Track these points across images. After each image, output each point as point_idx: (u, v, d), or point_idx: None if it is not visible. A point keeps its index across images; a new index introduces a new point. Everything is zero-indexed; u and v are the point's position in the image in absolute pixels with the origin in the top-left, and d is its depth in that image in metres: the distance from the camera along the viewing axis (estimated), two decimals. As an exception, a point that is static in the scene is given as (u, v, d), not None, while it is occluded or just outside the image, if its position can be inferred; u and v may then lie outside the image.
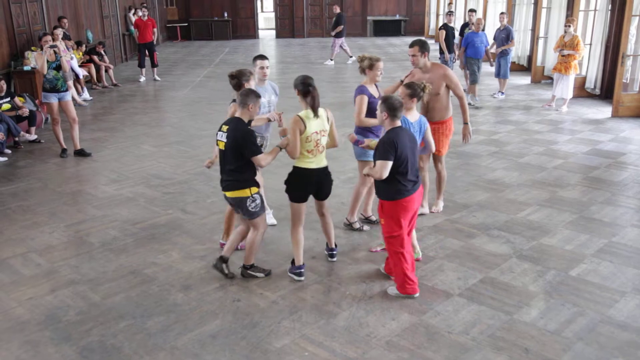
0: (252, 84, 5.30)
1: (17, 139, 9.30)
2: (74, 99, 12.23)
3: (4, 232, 6.14)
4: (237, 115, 4.81)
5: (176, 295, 4.81)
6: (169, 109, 12.42)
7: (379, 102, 4.66)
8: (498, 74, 12.87)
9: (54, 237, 5.99)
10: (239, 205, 4.85)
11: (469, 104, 11.09)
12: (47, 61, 8.43)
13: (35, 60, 8.82)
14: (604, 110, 11.29)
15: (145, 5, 18.60)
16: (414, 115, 5.29)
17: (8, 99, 9.54)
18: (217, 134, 4.86)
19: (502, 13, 13.18)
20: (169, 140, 9.69)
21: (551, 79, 12.92)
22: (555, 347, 4.07)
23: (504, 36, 12.61)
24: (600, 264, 5.26)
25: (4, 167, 8.38)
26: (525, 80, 14.73)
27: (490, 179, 7.55)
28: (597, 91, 12.48)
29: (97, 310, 4.61)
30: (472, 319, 4.43)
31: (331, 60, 18.67)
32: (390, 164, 4.42)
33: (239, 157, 4.69)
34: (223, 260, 5.06)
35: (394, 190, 4.55)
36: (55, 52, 8.51)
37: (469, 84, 12.25)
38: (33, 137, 9.67)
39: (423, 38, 6.06)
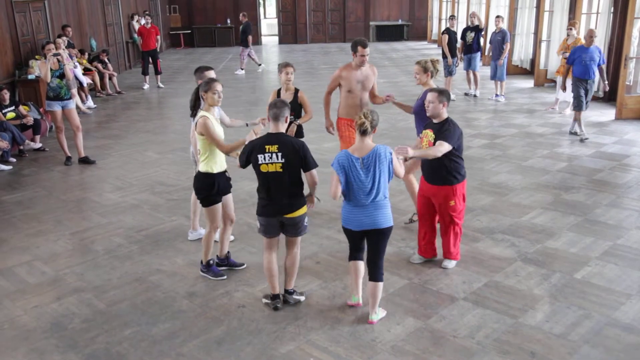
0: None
1: (21, 147, 9.35)
2: (78, 107, 12.33)
3: (9, 240, 6.16)
4: (273, 131, 4.42)
5: (181, 302, 4.82)
6: (172, 115, 12.46)
7: (436, 94, 4.97)
8: (494, 77, 12.90)
9: (58, 245, 6.01)
10: (294, 224, 4.50)
11: (573, 132, 9.67)
12: (51, 69, 8.51)
13: (39, 68, 8.89)
14: (607, 113, 11.27)
15: (148, 13, 18.70)
16: (364, 147, 4.42)
17: (13, 107, 9.59)
18: (257, 156, 4.35)
19: (497, 16, 13.15)
20: (172, 147, 9.72)
21: (554, 82, 12.91)
22: (561, 351, 4.06)
23: (500, 39, 12.62)
24: (605, 267, 5.24)
25: (9, 175, 8.41)
26: (528, 83, 14.72)
27: (494, 182, 7.54)
28: (601, 94, 12.45)
29: (103, 317, 4.62)
30: (477, 322, 4.42)
31: (242, 69, 18.04)
32: (450, 148, 4.89)
33: (298, 173, 4.40)
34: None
35: (462, 171, 5.15)
36: (58, 61, 8.58)
37: (573, 110, 9.86)
38: (38, 145, 9.72)
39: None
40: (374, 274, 4.46)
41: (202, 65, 5.92)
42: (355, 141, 6.39)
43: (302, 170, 4.43)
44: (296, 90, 6.44)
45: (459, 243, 5.34)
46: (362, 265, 4.58)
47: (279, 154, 4.33)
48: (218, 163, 4.96)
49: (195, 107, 5.06)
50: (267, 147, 4.35)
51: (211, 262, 5.22)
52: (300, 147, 4.38)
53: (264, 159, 4.35)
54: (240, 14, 19.00)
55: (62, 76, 8.64)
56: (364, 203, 4.33)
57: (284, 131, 4.45)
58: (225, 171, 5.06)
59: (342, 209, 4.51)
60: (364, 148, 4.36)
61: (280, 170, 4.35)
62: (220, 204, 5.07)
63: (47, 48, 8.75)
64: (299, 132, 6.43)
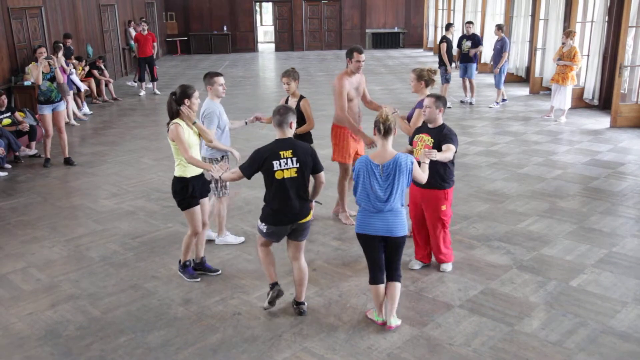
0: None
1: (17, 153, 9.34)
2: (74, 114, 12.34)
3: (4, 247, 6.14)
4: (280, 137, 4.40)
5: (177, 309, 4.81)
6: (168, 122, 12.44)
7: (433, 99, 5.03)
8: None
9: (54, 252, 5.98)
10: (305, 228, 4.53)
11: None
12: (42, 72, 8.77)
13: (30, 71, 9.09)
14: (602, 121, 11.32)
15: (145, 19, 18.70)
16: (384, 154, 4.36)
17: (9, 114, 9.59)
18: (272, 162, 4.30)
19: (497, 26, 13.28)
20: (168, 153, 9.67)
21: (549, 90, 12.98)
22: (556, 358, 4.06)
23: (499, 47, 12.74)
24: (600, 274, 5.25)
25: (4, 182, 8.39)
26: (524, 91, 14.78)
27: (489, 189, 7.55)
28: (596, 102, 12.52)
29: (98, 325, 4.60)
30: (473, 330, 4.42)
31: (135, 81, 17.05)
32: (455, 150, 4.99)
33: (308, 177, 4.45)
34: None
35: (453, 176, 5.22)
36: (49, 64, 8.79)
37: None
38: (33, 151, 9.71)
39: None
40: (391, 275, 4.46)
41: (212, 71, 5.92)
42: (351, 149, 6.44)
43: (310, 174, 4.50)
44: (300, 98, 6.26)
45: (450, 245, 5.43)
46: (382, 289, 4.48)
47: (294, 159, 4.34)
48: (191, 167, 5.06)
49: (173, 115, 5.02)
50: (281, 152, 4.33)
51: (188, 263, 5.33)
52: (310, 149, 4.47)
53: (279, 165, 4.32)
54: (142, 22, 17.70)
55: (53, 79, 8.92)
56: (380, 209, 4.28)
57: (291, 136, 4.46)
58: (201, 175, 5.16)
59: (357, 214, 4.47)
60: (386, 155, 4.29)
61: (296, 175, 4.36)
62: (198, 207, 5.15)
63: (39, 52, 9.08)
64: (308, 138, 6.25)
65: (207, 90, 5.78)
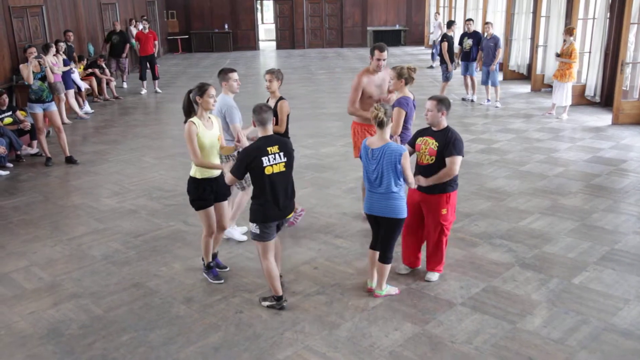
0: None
1: (19, 152, 9.35)
2: (75, 112, 12.37)
3: (6, 246, 6.15)
4: (262, 134, 4.47)
5: (179, 308, 4.81)
6: (170, 121, 12.45)
7: (435, 102, 4.87)
8: (485, 82, 12.94)
9: (56, 251, 5.99)
10: (285, 222, 4.74)
11: None
12: (33, 72, 8.86)
13: (21, 71, 9.16)
14: (604, 118, 11.30)
15: (146, 18, 18.69)
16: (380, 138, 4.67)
17: (10, 112, 9.59)
18: (261, 159, 4.36)
19: (487, 23, 13.24)
20: (170, 152, 9.71)
21: (551, 87, 12.96)
22: (558, 356, 4.06)
23: (492, 45, 12.68)
24: (603, 272, 5.25)
25: (6, 181, 8.40)
26: (525, 88, 14.76)
27: (491, 187, 7.55)
28: (597, 99, 12.50)
29: (100, 323, 4.60)
30: (475, 328, 4.42)
31: (123, 81, 16.83)
32: (460, 160, 4.92)
33: (292, 170, 4.61)
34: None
35: (457, 180, 5.04)
36: (40, 64, 8.95)
37: None
38: (34, 150, 9.72)
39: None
40: (380, 256, 4.80)
41: (226, 67, 5.92)
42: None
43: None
44: (279, 99, 6.11)
45: (444, 255, 5.20)
46: (376, 255, 4.84)
47: (281, 154, 4.45)
48: (204, 169, 4.95)
49: (189, 112, 4.98)
50: (269, 149, 4.41)
51: (212, 264, 5.27)
52: (290, 144, 4.67)
53: (269, 160, 4.40)
54: (115, 22, 16.79)
55: (43, 78, 9.00)
56: (373, 189, 4.66)
57: (272, 133, 4.55)
58: (217, 178, 5.03)
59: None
60: (379, 141, 4.59)
61: (284, 169, 4.47)
62: (210, 209, 5.05)
63: (29, 52, 9.13)
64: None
65: (221, 86, 5.79)
